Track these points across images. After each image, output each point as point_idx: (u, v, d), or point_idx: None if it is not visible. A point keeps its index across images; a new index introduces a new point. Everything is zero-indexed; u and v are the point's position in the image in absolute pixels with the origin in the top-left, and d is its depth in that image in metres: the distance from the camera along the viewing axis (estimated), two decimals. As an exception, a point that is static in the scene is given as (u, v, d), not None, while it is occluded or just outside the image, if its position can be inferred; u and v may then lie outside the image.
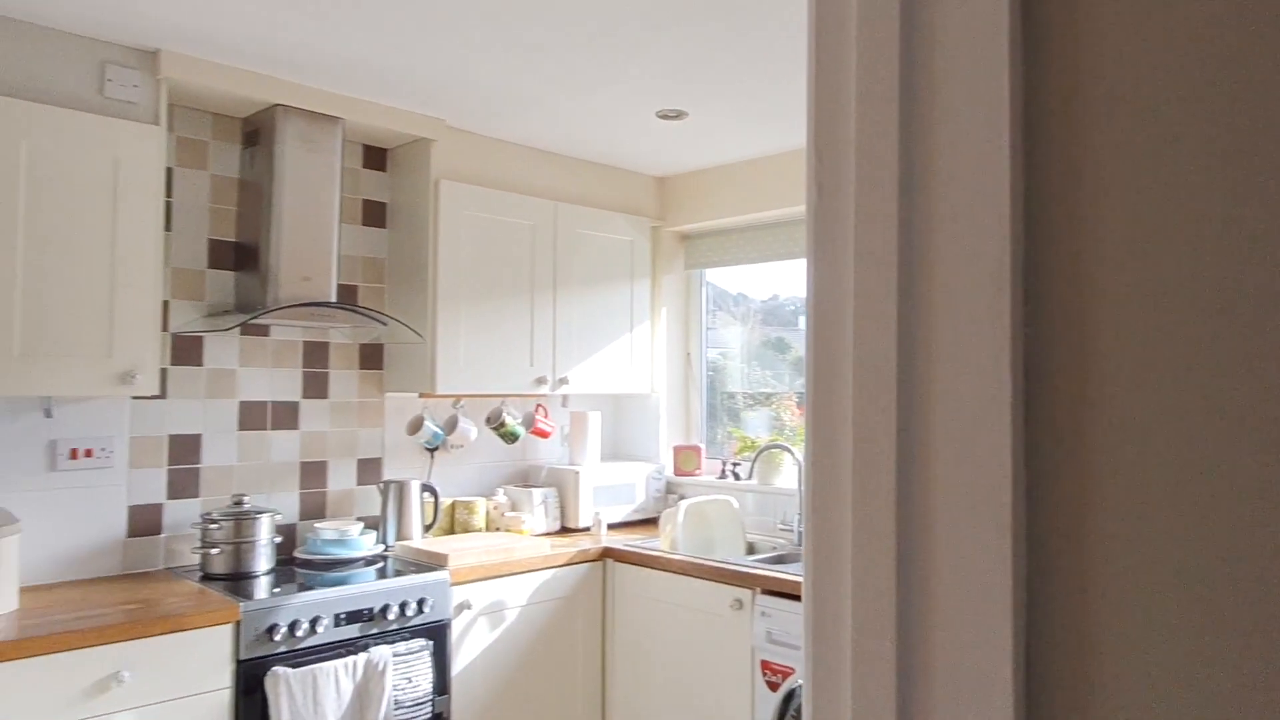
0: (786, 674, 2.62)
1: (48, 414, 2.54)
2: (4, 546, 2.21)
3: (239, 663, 2.33)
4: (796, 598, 2.65)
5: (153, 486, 2.76)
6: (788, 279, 3.91)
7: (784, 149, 3.48)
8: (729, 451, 3.72)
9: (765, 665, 2.68)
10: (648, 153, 3.55)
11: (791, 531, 3.29)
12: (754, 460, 3.28)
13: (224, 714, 2.30)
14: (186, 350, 2.85)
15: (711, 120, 3.14)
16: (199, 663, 2.26)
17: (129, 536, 2.71)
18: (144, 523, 2.74)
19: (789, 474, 3.50)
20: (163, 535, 2.77)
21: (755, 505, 3.52)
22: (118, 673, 2.12)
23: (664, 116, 3.09)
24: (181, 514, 2.81)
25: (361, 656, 2.51)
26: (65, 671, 2.06)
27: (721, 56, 2.57)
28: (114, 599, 2.38)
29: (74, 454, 2.61)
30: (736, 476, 3.64)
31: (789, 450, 3.29)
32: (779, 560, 3.13)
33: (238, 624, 2.33)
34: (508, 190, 3.35)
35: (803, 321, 3.89)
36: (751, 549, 3.37)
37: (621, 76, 2.73)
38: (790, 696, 2.58)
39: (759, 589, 2.75)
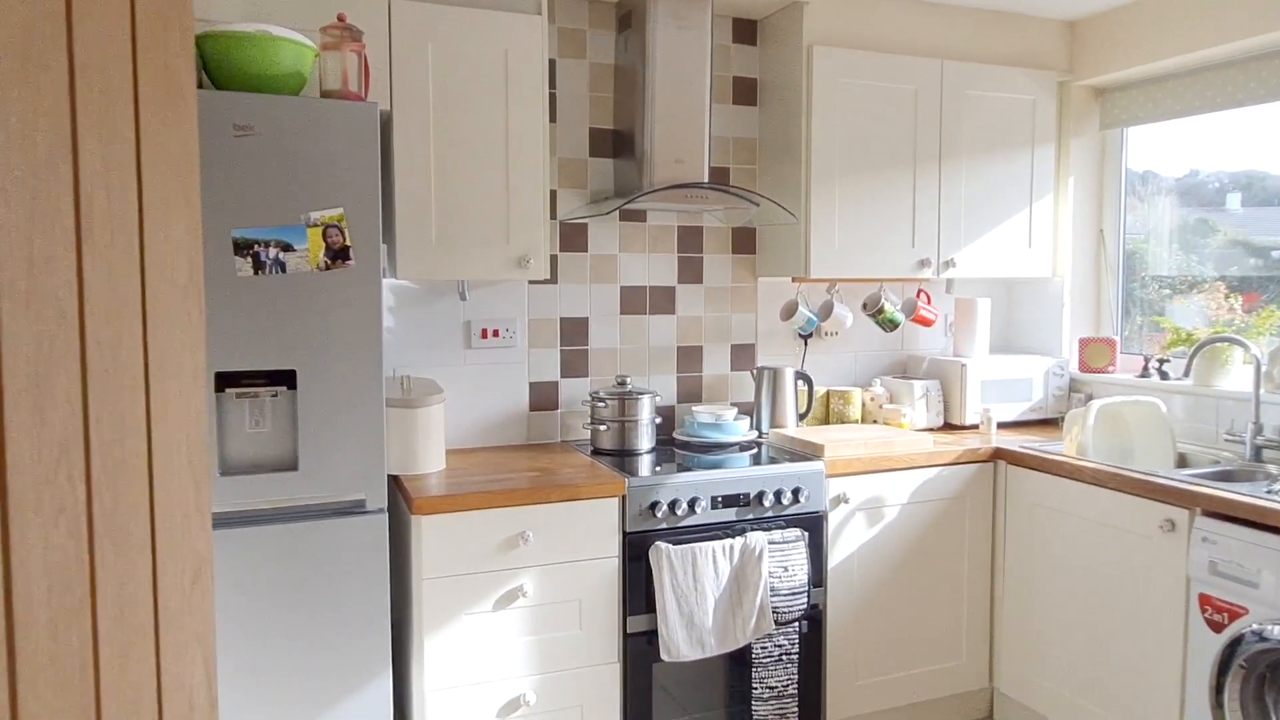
0: (1236, 614, 2.16)
1: (462, 297, 2.80)
2: (433, 414, 2.49)
3: (625, 534, 2.43)
4: (1250, 523, 2.15)
5: (548, 365, 2.96)
6: (1208, 150, 3.12)
7: (1252, -40, 2.71)
8: (1154, 346, 3.13)
9: (1205, 600, 2.24)
10: (1059, -11, 2.97)
11: (1242, 444, 2.69)
12: (1192, 356, 2.71)
13: (613, 579, 2.43)
14: (572, 237, 2.97)
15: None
16: (591, 530, 2.39)
17: (531, 410, 2.95)
18: (542, 398, 2.96)
19: (1239, 374, 2.86)
20: (559, 411, 2.98)
21: (1187, 410, 2.94)
22: (524, 532, 2.32)
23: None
24: (573, 392, 2.99)
25: (738, 540, 2.50)
26: (483, 527, 2.29)
27: None
28: (520, 465, 2.60)
29: (484, 334, 2.87)
30: (1164, 375, 3.06)
31: (1242, 343, 2.67)
32: (1224, 476, 2.58)
33: (623, 498, 2.42)
34: (887, 52, 3.01)
35: (1232, 200, 3.11)
36: (1183, 461, 2.82)
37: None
38: (1238, 642, 2.13)
39: (1199, 509, 2.28)
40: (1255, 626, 2.11)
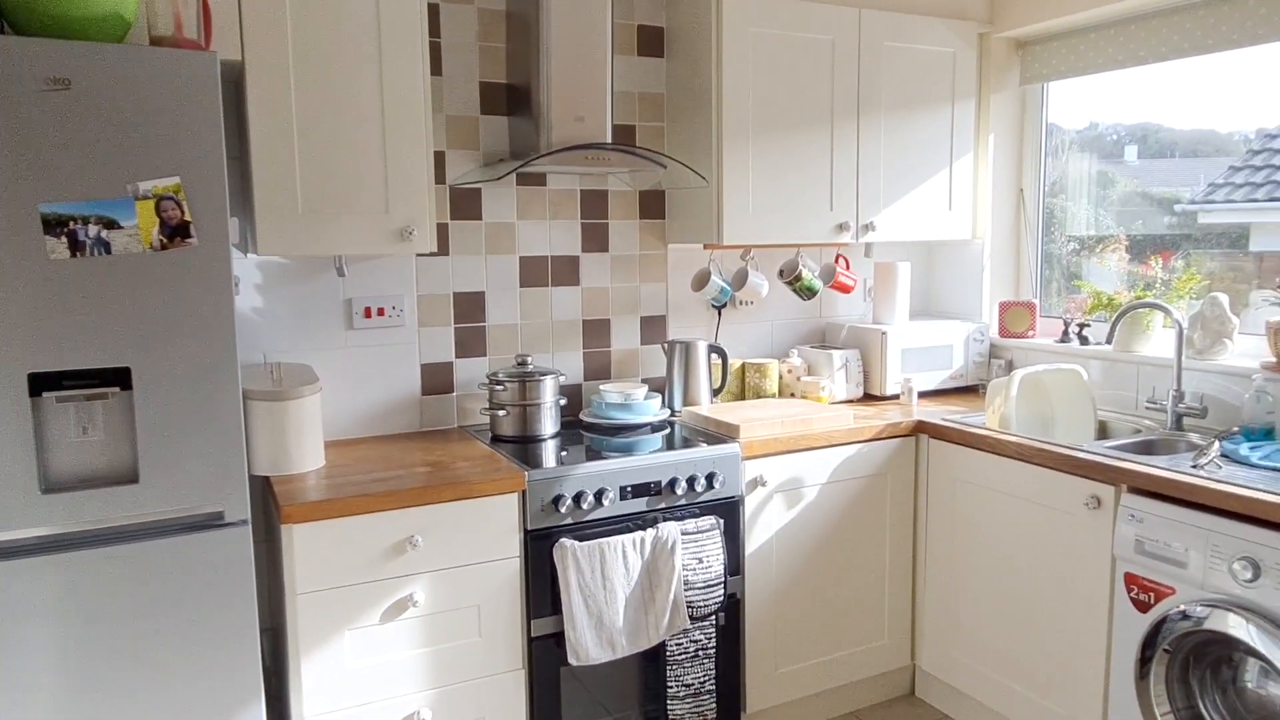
0: (1162, 594, 2.09)
1: (340, 273, 2.52)
2: (307, 405, 2.22)
3: (527, 532, 2.23)
4: (1178, 500, 2.07)
5: (441, 345, 2.71)
6: (1107, 102, 3.05)
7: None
8: (1074, 309, 3.05)
9: (1131, 580, 2.16)
10: (981, -67, 2.80)
11: (1164, 412, 2.63)
12: (1115, 322, 2.62)
13: (515, 581, 2.22)
14: (464, 203, 2.70)
15: None
16: (489, 530, 2.18)
17: (423, 394, 2.69)
18: (436, 381, 2.71)
19: (1160, 339, 2.79)
20: (454, 394, 2.74)
21: (1105, 376, 2.87)
22: (412, 536, 2.09)
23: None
24: (470, 373, 2.75)
25: (650, 532, 2.33)
26: (365, 533, 2.05)
27: None
28: (411, 459, 2.36)
29: (368, 312, 2.59)
30: (1084, 340, 2.98)
31: (1165, 308, 2.58)
32: (1145, 448, 2.51)
33: (524, 493, 2.21)
34: (803, -1, 2.80)
35: (1130, 152, 3.07)
36: (1104, 430, 2.75)
37: None
38: (1164, 622, 2.06)
39: (1126, 486, 2.19)
40: (1181, 607, 2.03)
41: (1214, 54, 2.63)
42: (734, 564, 2.50)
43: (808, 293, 3.04)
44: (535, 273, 2.82)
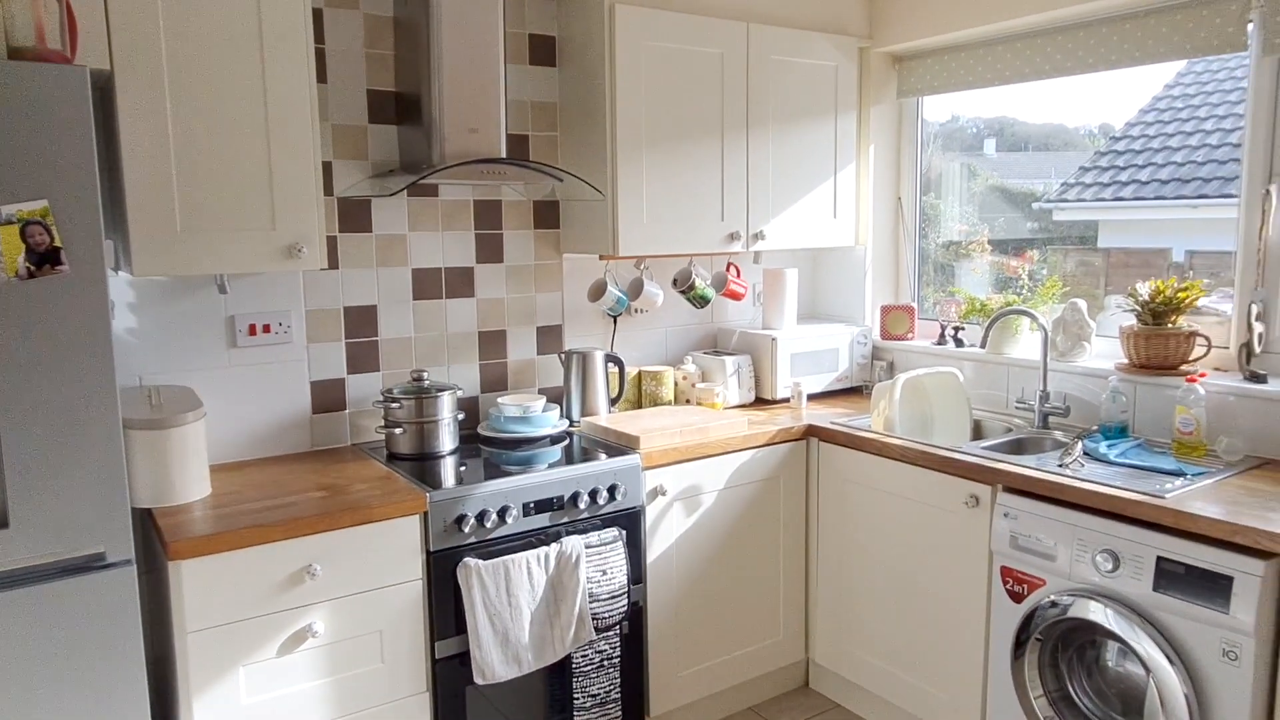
0: (1034, 585, 2.25)
1: (222, 289, 2.41)
2: (190, 433, 2.12)
3: (429, 554, 2.20)
4: (1047, 498, 2.23)
5: (333, 361, 2.63)
6: (967, 97, 3.26)
7: (1038, -64, 2.75)
8: (949, 313, 3.23)
9: (1006, 573, 2.31)
10: (860, -46, 2.90)
11: (1032, 411, 2.82)
12: (988, 328, 2.79)
13: (418, 604, 2.19)
14: (353, 215, 2.63)
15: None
16: (390, 554, 2.14)
17: (315, 413, 2.61)
18: (327, 398, 2.63)
19: (1027, 342, 2.99)
20: (347, 411, 2.66)
21: (979, 377, 3.05)
22: (309, 566, 2.03)
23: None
24: (364, 389, 2.68)
25: (553, 547, 2.33)
26: (259, 565, 1.98)
27: None
28: (303, 483, 2.28)
29: (252, 329, 2.49)
30: (959, 343, 3.16)
31: (1031, 315, 2.77)
32: (1016, 447, 2.69)
33: (425, 515, 2.18)
34: (692, 12, 2.84)
35: (989, 145, 3.26)
36: (979, 429, 2.93)
37: None
38: (1036, 611, 2.21)
39: (1001, 485, 2.34)
40: (1051, 597, 2.20)
41: (1073, 76, 2.82)
42: (636, 573, 2.54)
43: (701, 301, 3.10)
44: (429, 285, 2.77)
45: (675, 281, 3.10)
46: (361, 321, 2.66)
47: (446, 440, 2.56)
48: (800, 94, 3.10)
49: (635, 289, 3.00)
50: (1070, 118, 3.17)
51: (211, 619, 1.93)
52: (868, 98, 3.31)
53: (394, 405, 2.51)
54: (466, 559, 2.22)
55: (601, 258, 2.85)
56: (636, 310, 3.14)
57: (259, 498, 2.17)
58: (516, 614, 2.27)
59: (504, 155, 2.52)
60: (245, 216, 2.15)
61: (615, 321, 3.12)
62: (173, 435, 2.09)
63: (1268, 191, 2.45)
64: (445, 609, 2.23)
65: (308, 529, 2.02)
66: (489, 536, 2.27)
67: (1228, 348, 2.59)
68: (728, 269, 3.18)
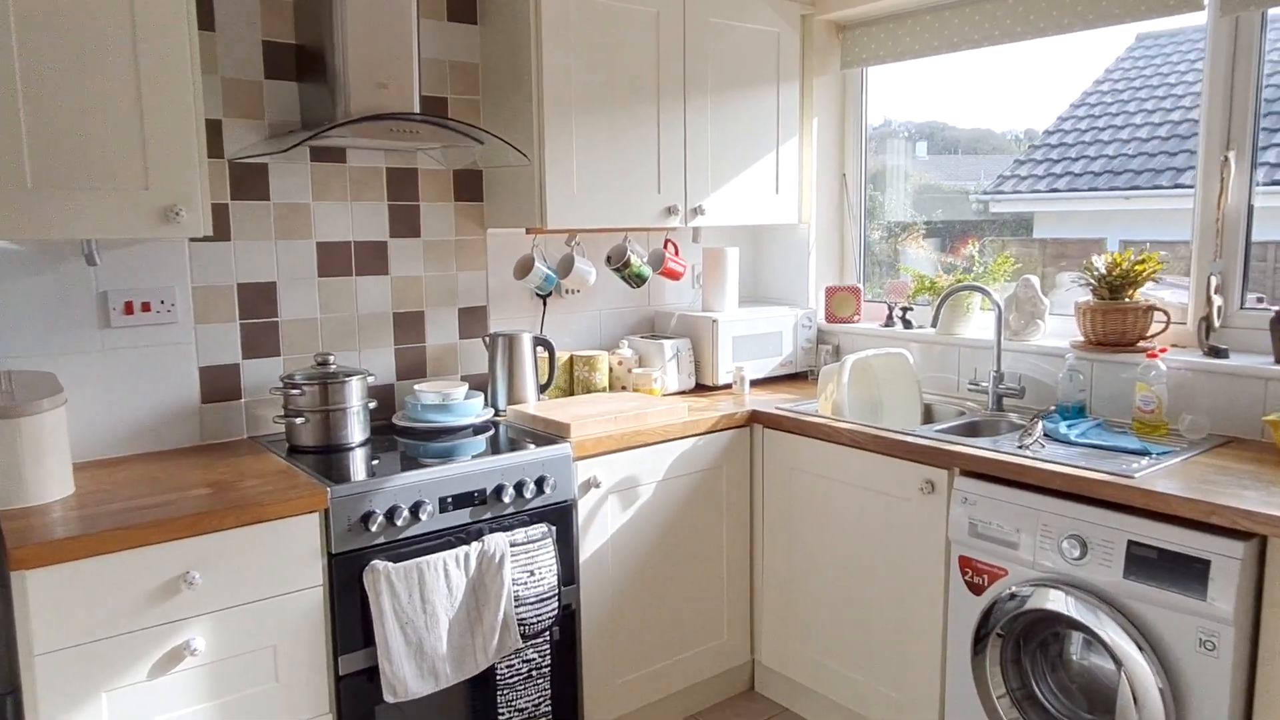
0: (996, 575, 2.09)
1: (91, 261, 2.11)
2: (46, 422, 1.83)
3: (331, 556, 1.94)
4: (1007, 481, 2.08)
5: (225, 344, 2.35)
6: (897, 101, 3.20)
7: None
8: (899, 294, 3.07)
9: (965, 563, 2.15)
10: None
11: (985, 393, 2.67)
12: (939, 305, 2.64)
13: (317, 615, 1.93)
14: (249, 181, 2.35)
15: None
16: (285, 558, 1.88)
17: (204, 402, 2.33)
18: (219, 386, 2.35)
19: (980, 321, 2.85)
20: (242, 400, 2.38)
21: (928, 358, 2.90)
22: (187, 573, 1.76)
23: None
24: (261, 375, 2.41)
25: (474, 546, 2.10)
26: (125, 573, 1.70)
27: None
28: (186, 479, 2.01)
29: (129, 308, 2.20)
30: (908, 324, 3.01)
31: (984, 290, 2.62)
32: (971, 430, 2.54)
33: (326, 512, 1.92)
34: (625, -32, 2.63)
35: (921, 148, 3.28)
36: (929, 413, 2.78)
37: None
38: (995, 605, 2.06)
39: (957, 469, 2.18)
40: (1011, 589, 2.04)
41: (1025, 41, 2.69)
42: (568, 573, 2.32)
43: (637, 280, 2.90)
44: (336, 260, 2.51)
45: (609, 259, 2.89)
46: (259, 300, 2.39)
47: (356, 431, 2.30)
48: (741, 61, 2.91)
49: (565, 266, 2.78)
50: (997, 123, 3.16)
51: (65, 638, 1.65)
52: (811, 68, 3.14)
53: (295, 392, 2.25)
54: (374, 562, 1.97)
55: (529, 231, 2.62)
56: (567, 290, 2.91)
57: (130, 496, 1.88)
58: (432, 622, 2.03)
59: (417, 112, 2.27)
60: (112, 174, 1.87)
61: (545, 302, 2.89)
62: (24, 425, 1.80)
63: (1225, 158, 2.35)
64: (350, 619, 1.97)
65: (184, 531, 1.75)
66: (400, 536, 2.03)
67: (1185, 323, 2.48)
68: (665, 246, 2.98)
